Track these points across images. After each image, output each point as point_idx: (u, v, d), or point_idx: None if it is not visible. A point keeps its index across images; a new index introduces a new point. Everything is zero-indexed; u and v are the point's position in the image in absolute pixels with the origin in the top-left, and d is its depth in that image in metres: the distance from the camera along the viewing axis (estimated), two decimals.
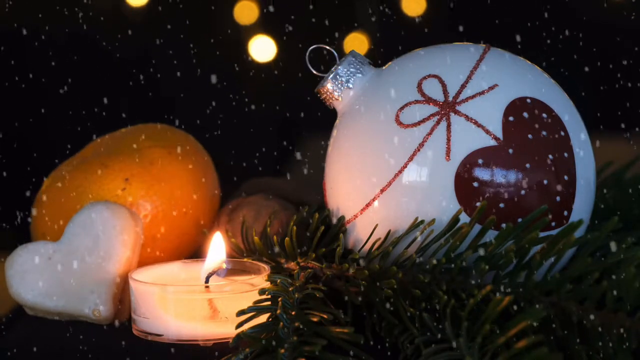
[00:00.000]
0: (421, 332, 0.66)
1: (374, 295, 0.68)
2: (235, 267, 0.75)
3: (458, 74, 0.72)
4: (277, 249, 0.75)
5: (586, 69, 1.34)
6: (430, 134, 0.70)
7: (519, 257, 0.65)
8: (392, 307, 0.67)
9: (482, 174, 0.69)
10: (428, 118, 0.70)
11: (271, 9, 1.37)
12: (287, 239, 0.74)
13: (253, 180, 0.93)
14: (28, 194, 0.87)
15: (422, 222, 0.69)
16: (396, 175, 0.70)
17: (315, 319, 0.64)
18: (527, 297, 0.64)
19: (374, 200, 0.71)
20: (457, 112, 0.70)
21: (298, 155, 1.44)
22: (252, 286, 0.70)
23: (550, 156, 0.70)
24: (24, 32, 1.39)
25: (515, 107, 0.70)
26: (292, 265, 0.74)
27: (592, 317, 0.61)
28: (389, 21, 1.44)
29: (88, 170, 0.81)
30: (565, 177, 0.70)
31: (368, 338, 0.69)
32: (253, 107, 1.42)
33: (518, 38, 0.94)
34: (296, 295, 0.67)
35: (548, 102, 0.72)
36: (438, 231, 0.68)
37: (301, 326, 0.64)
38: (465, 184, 0.69)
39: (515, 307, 0.64)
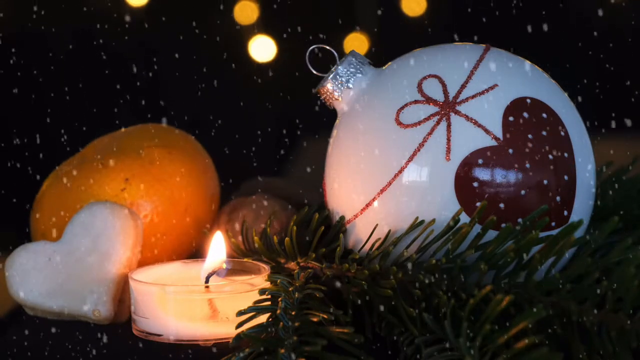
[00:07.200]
0: (421, 332, 0.66)
1: (374, 295, 0.68)
2: (235, 267, 0.75)
3: (458, 74, 0.72)
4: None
5: (586, 69, 1.34)
6: (430, 134, 0.70)
7: (519, 257, 0.65)
8: (392, 307, 0.67)
9: (482, 174, 0.69)
10: (428, 118, 0.70)
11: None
12: (287, 239, 0.74)
13: (253, 180, 0.93)
14: (28, 194, 0.87)
15: (422, 222, 0.69)
16: (396, 175, 0.70)
17: (315, 319, 0.64)
18: (527, 297, 0.64)
19: (374, 200, 0.71)
20: (457, 112, 0.70)
21: (298, 155, 1.44)
22: (252, 286, 0.70)
23: (550, 156, 0.70)
24: (24, 31, 1.39)
25: (515, 107, 0.70)
26: (292, 265, 0.74)
27: (592, 317, 0.61)
28: (389, 21, 1.44)
29: (88, 170, 0.81)
30: (565, 177, 0.70)
31: (368, 338, 0.69)
32: (253, 107, 1.42)
33: (518, 38, 0.94)
34: (296, 295, 0.67)
35: (548, 102, 0.72)
36: (438, 231, 0.68)
37: (301, 326, 0.64)
38: (465, 184, 0.69)
39: (515, 307, 0.64)
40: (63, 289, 0.74)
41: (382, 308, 0.67)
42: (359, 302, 0.69)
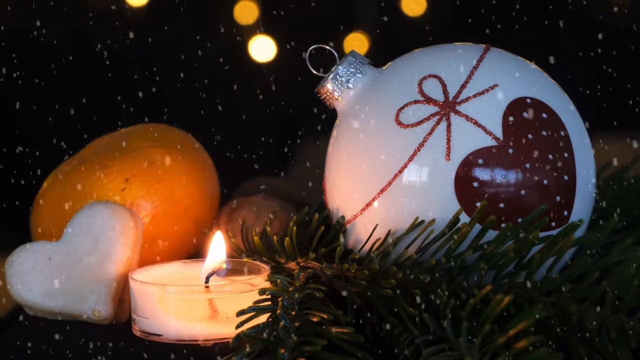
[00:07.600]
0: (421, 332, 0.66)
1: (374, 295, 0.68)
2: (235, 267, 0.75)
3: (458, 74, 0.72)
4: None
5: (586, 68, 1.34)
6: (430, 134, 0.70)
7: (519, 257, 0.65)
8: (392, 307, 0.67)
9: (482, 174, 0.69)
10: (428, 118, 0.70)
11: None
12: (287, 239, 0.74)
13: (253, 181, 0.93)
14: (28, 193, 0.87)
15: (422, 222, 0.69)
16: (396, 175, 0.70)
17: (315, 319, 0.64)
18: (527, 297, 0.64)
19: (374, 200, 0.71)
20: (457, 112, 0.70)
21: (298, 156, 1.44)
22: (252, 286, 0.70)
23: (550, 156, 0.70)
24: (24, 32, 1.39)
25: (515, 107, 0.70)
26: (292, 265, 0.74)
27: (592, 317, 0.61)
28: (389, 21, 1.44)
29: (88, 170, 0.81)
30: (565, 177, 0.70)
31: (368, 338, 0.69)
32: (253, 107, 1.42)
33: (519, 38, 0.94)
34: (296, 295, 0.67)
35: (548, 102, 0.72)
36: (438, 231, 0.68)
37: (301, 326, 0.64)
38: (465, 184, 0.69)
39: (515, 307, 0.64)
40: (63, 289, 0.74)
41: (382, 308, 0.67)
42: (359, 302, 0.69)
